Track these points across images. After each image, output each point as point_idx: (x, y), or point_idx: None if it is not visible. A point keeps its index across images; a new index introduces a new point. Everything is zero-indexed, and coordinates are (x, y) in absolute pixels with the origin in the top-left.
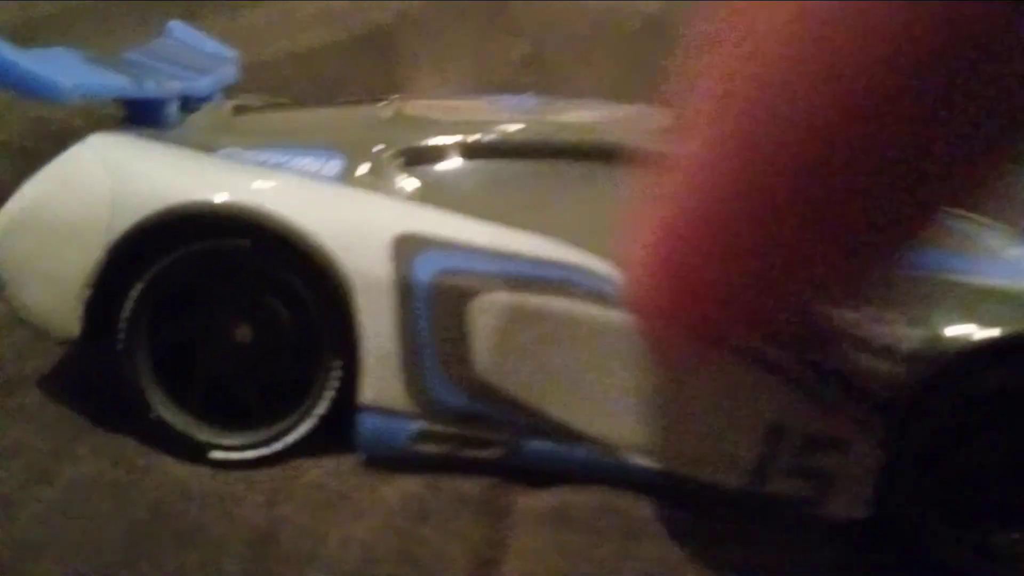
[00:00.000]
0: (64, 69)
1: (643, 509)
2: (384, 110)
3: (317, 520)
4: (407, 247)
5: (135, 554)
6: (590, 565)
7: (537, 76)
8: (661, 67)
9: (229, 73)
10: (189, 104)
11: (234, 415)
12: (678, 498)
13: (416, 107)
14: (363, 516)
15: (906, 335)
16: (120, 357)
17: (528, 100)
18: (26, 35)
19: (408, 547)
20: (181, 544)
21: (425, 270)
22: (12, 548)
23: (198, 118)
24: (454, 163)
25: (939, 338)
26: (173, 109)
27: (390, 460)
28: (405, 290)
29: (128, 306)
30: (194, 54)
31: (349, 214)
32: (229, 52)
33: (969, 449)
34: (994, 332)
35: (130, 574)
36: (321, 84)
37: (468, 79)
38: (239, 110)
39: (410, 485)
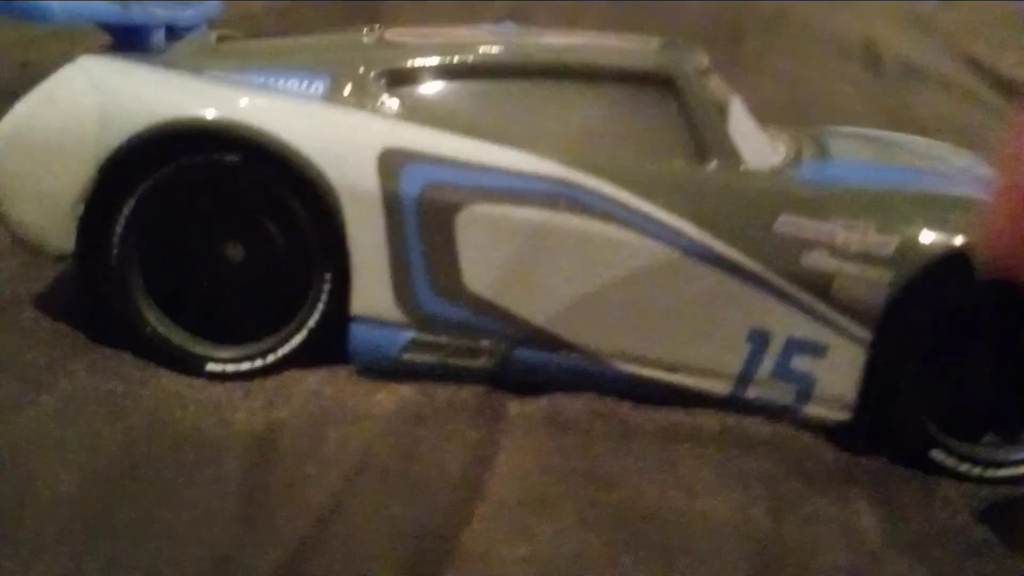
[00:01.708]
0: None
1: (635, 414)
2: (367, 36)
3: (315, 423)
4: (393, 161)
5: (134, 455)
6: (585, 461)
7: None
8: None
9: (213, 6)
10: (175, 33)
11: (228, 328)
12: (669, 404)
13: (398, 33)
14: (361, 420)
15: (881, 241)
16: (114, 273)
17: (507, 26)
18: None
19: (405, 445)
20: (179, 447)
21: (411, 183)
22: (11, 448)
23: (184, 46)
24: (436, 83)
25: (913, 244)
26: (159, 36)
27: (383, 370)
28: (392, 202)
29: (120, 222)
30: None
31: (335, 130)
32: None
33: (950, 352)
34: (960, 238)
35: (128, 472)
36: (298, 28)
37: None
38: (223, 38)
39: (405, 392)
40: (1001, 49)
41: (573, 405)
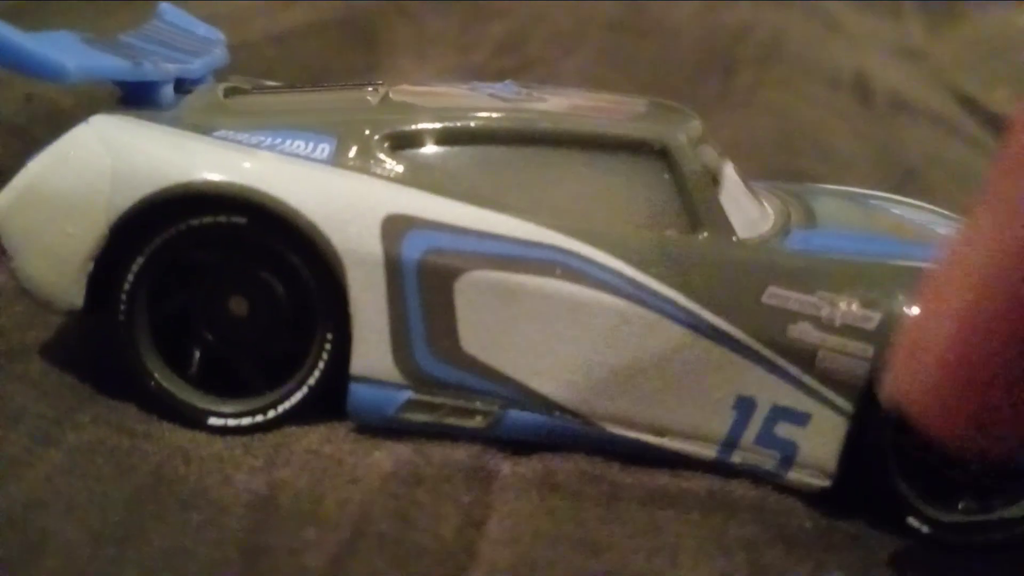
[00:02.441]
0: (66, 51)
1: (623, 476)
2: (372, 95)
3: (314, 484)
4: (396, 227)
5: (140, 514)
6: (574, 526)
7: (514, 59)
8: (634, 57)
9: (220, 56)
10: (183, 86)
11: (231, 384)
12: (657, 466)
13: (402, 93)
14: (359, 480)
15: (866, 316)
16: (121, 328)
17: (508, 87)
18: (17, 17)
19: (402, 509)
20: (183, 506)
21: (413, 248)
22: (21, 504)
23: (192, 100)
24: (438, 147)
25: (895, 319)
26: (168, 91)
27: (380, 428)
28: (394, 267)
29: (129, 279)
30: (186, 36)
31: (340, 195)
32: (218, 34)
33: None
34: None
35: (136, 532)
36: (303, 67)
37: (447, 60)
38: (230, 92)
39: (401, 451)
40: (992, 85)
41: (564, 467)
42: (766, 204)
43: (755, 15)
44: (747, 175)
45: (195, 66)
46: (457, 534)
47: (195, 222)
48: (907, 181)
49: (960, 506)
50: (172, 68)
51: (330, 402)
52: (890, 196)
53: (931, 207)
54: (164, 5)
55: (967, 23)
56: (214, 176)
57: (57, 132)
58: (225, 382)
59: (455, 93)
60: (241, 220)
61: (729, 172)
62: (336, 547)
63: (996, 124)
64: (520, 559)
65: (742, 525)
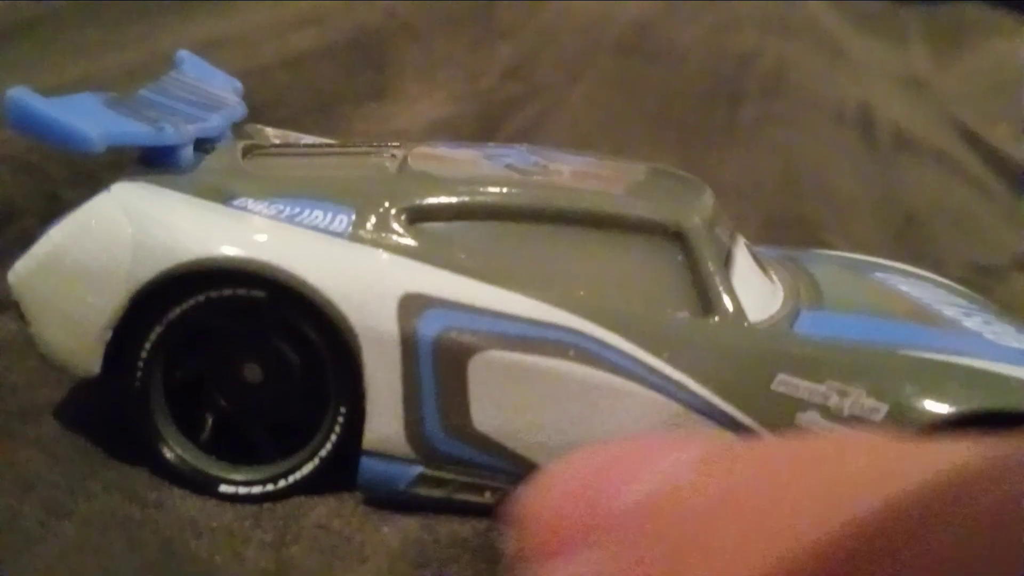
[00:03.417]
0: (89, 117)
1: None
2: (391, 161)
3: (324, 564)
4: (413, 305)
5: None
6: None
7: (522, 86)
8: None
9: (238, 109)
10: (202, 143)
11: (243, 453)
12: None
13: (420, 159)
14: (367, 560)
15: (874, 407)
16: (136, 395)
17: (522, 154)
18: (12, 37)
19: None
20: None
21: (429, 327)
22: None
23: (211, 162)
24: (456, 223)
25: (903, 411)
26: (188, 152)
27: (389, 501)
28: (409, 345)
29: (146, 347)
30: (204, 89)
31: (358, 273)
32: (236, 83)
33: None
34: (947, 408)
35: None
36: (314, 91)
37: (456, 85)
38: (249, 150)
39: (409, 527)
40: (993, 121)
41: None
42: (776, 280)
43: (761, 41)
44: (750, 221)
45: (213, 122)
46: None
47: (214, 294)
48: (908, 227)
49: None
50: (192, 129)
51: (341, 472)
52: (894, 265)
53: (935, 278)
54: (183, 54)
55: (971, 52)
56: (233, 251)
57: (70, 169)
58: (237, 451)
59: (471, 160)
60: (260, 294)
61: (741, 250)
62: None
63: (997, 161)
64: None
65: None
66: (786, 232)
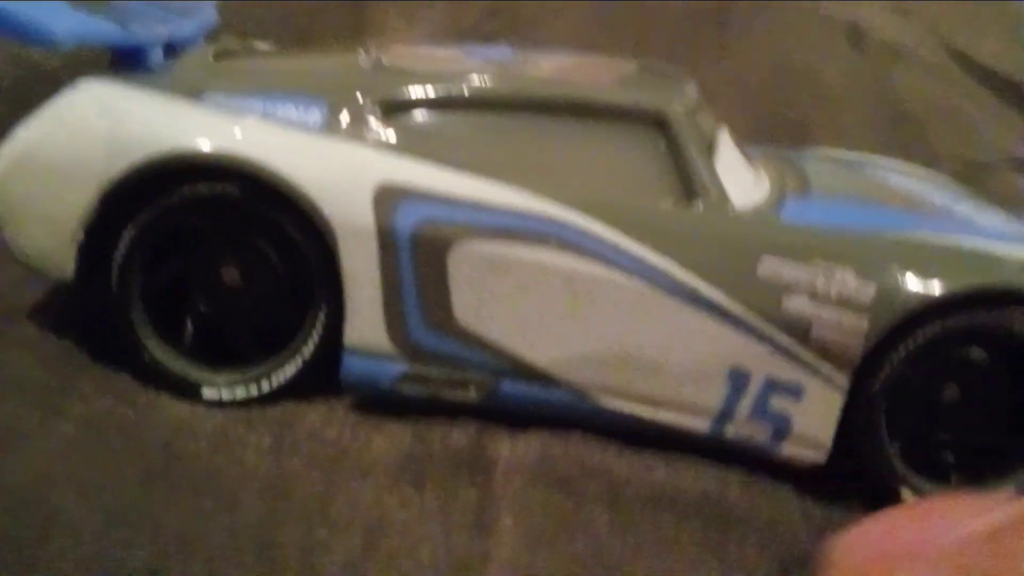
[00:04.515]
0: (55, 16)
1: (623, 467)
2: (364, 58)
3: (324, 477)
4: (388, 197)
5: (153, 494)
6: (583, 532)
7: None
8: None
9: (209, 16)
10: (173, 48)
11: (225, 356)
12: (651, 452)
13: (395, 56)
14: (367, 475)
15: (861, 288)
16: (114, 299)
17: (502, 50)
18: None
19: (411, 520)
20: (197, 491)
21: (406, 219)
22: (33, 480)
23: (183, 63)
24: (431, 114)
25: (891, 292)
26: (158, 54)
27: (377, 405)
28: (387, 238)
29: (121, 248)
30: None
31: (332, 164)
32: None
33: (926, 394)
34: (938, 288)
35: (148, 513)
36: (292, 24)
37: (436, 22)
38: (221, 54)
39: (402, 438)
40: (981, 39)
41: (563, 454)
42: (761, 170)
43: None
44: (740, 126)
45: (185, 28)
46: (469, 541)
47: (188, 191)
48: (900, 125)
49: (952, 479)
50: (162, 31)
51: (327, 376)
52: (884, 160)
53: (924, 171)
54: None
55: None
56: (205, 145)
57: (44, 94)
58: (221, 354)
59: (449, 56)
60: (234, 190)
61: (725, 139)
62: (346, 555)
63: (986, 74)
64: (531, 568)
65: (741, 543)
66: (777, 132)
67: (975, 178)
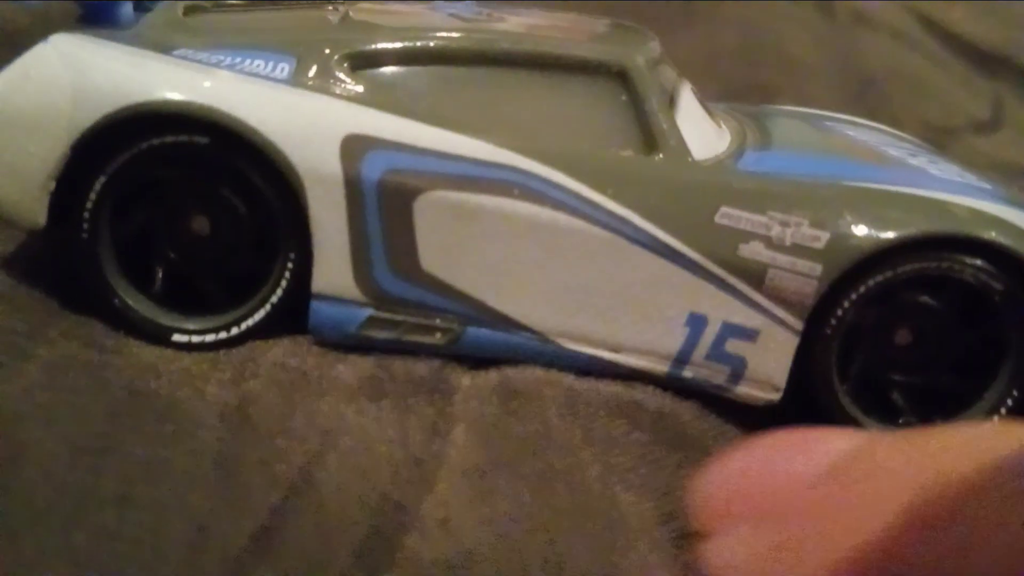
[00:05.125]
0: None
1: (579, 384)
2: (333, 13)
3: (283, 396)
4: (355, 147)
5: (118, 426)
6: (537, 423)
7: None
8: None
9: None
10: (142, 3)
11: (195, 303)
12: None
13: (363, 11)
14: (325, 394)
15: (815, 235)
16: (84, 246)
17: (468, 6)
18: None
19: (368, 423)
20: (159, 418)
21: (372, 169)
22: (3, 420)
23: (152, 18)
24: (398, 68)
25: (843, 239)
26: (128, 9)
27: (342, 343)
28: (354, 187)
29: (91, 198)
30: None
31: (300, 115)
32: None
33: (878, 337)
34: (889, 234)
35: (114, 443)
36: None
37: None
38: (190, 10)
39: (364, 365)
40: (948, 5)
41: (522, 375)
42: (723, 125)
43: None
44: (707, 92)
45: None
46: (424, 444)
47: (156, 141)
48: (866, 91)
49: (900, 421)
50: None
51: (294, 318)
52: (846, 117)
53: (885, 128)
54: None
55: None
56: (174, 95)
57: (14, 51)
58: (189, 299)
59: (416, 12)
60: (203, 139)
61: (686, 93)
62: (305, 457)
63: (954, 40)
64: (488, 461)
65: (683, 464)
66: (743, 98)
67: (939, 141)
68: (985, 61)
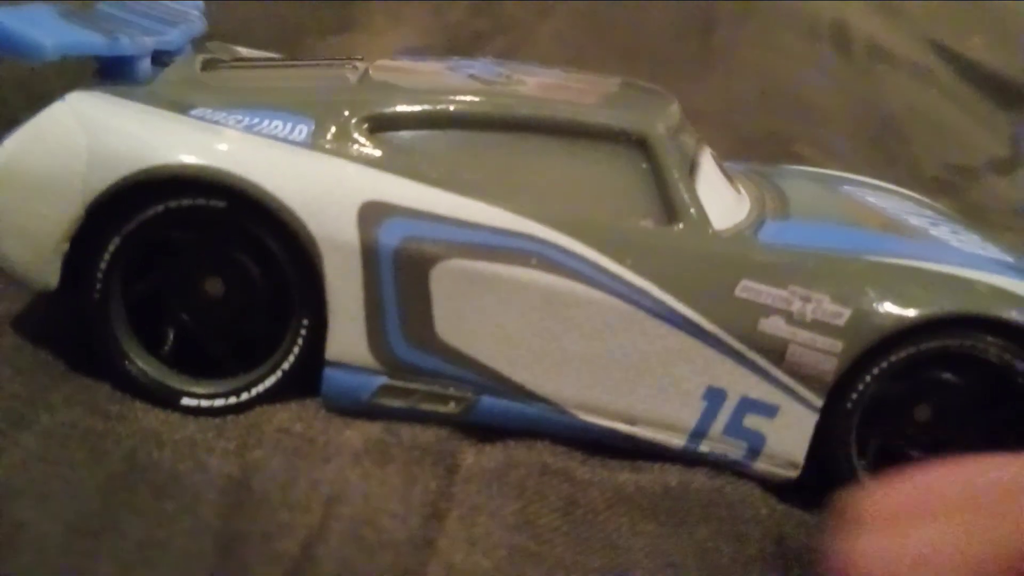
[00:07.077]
0: (42, 27)
1: (585, 472)
2: (352, 72)
3: (288, 464)
4: (373, 214)
5: (114, 504)
6: (529, 536)
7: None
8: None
9: (197, 24)
10: (160, 57)
11: (205, 366)
12: (619, 457)
13: (382, 71)
14: (331, 459)
15: (836, 312)
16: (96, 307)
17: (487, 66)
18: None
19: (372, 491)
20: (158, 494)
21: (390, 236)
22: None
23: (169, 74)
24: (418, 131)
25: (865, 316)
26: (146, 64)
27: (352, 411)
28: (370, 254)
29: (105, 259)
30: (163, 4)
31: (318, 181)
32: (197, 2)
33: (898, 413)
34: (911, 313)
35: (111, 523)
36: (278, 23)
37: (422, 20)
38: (208, 65)
39: (372, 430)
40: (966, 34)
41: (527, 458)
42: (742, 190)
43: None
44: (724, 141)
45: (172, 36)
46: (422, 525)
47: (173, 204)
48: (884, 131)
49: None
50: (149, 41)
51: (304, 381)
52: (865, 180)
53: (905, 192)
54: None
55: None
56: (191, 159)
57: (29, 98)
58: (199, 363)
59: (435, 71)
60: (220, 203)
61: (707, 159)
62: (306, 531)
63: (971, 72)
64: (472, 565)
65: (699, 523)
66: (759, 147)
67: (957, 183)
68: (1003, 91)
